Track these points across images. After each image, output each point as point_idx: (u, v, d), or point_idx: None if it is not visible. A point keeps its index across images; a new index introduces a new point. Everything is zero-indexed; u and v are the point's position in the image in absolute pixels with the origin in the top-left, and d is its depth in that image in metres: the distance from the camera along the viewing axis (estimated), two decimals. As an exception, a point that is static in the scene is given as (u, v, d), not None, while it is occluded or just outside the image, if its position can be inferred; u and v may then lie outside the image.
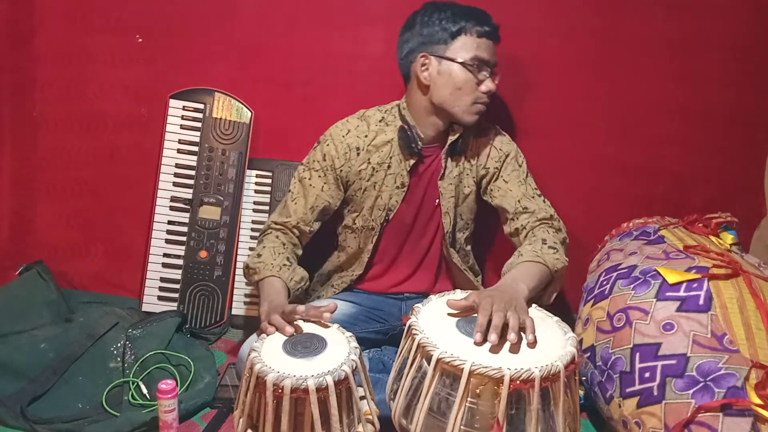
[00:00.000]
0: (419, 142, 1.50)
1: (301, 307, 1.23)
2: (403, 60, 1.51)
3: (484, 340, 1.07)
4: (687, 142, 1.79)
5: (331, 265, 1.66)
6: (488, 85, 1.44)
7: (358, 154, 1.53)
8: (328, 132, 1.56)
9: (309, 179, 1.54)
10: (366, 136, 1.54)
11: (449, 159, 1.54)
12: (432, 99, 1.47)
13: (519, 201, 1.51)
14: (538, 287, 1.29)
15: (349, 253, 1.62)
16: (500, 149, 1.56)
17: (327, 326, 1.22)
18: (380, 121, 1.55)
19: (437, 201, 1.55)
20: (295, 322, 1.21)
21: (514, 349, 1.07)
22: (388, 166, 1.53)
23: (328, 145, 1.54)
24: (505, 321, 1.09)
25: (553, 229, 1.46)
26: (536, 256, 1.34)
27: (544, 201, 1.54)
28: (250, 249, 1.80)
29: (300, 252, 1.55)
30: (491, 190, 1.56)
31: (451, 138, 1.51)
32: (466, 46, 1.43)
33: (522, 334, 1.09)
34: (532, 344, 1.08)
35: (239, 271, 1.80)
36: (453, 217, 1.56)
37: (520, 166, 1.58)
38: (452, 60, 1.43)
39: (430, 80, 1.46)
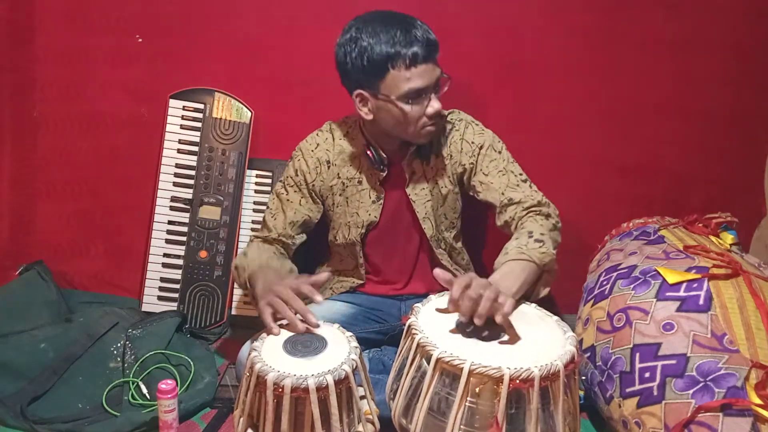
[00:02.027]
0: (384, 163, 1.48)
1: (306, 282, 1.24)
2: (347, 89, 1.44)
3: (455, 310, 1.10)
4: (687, 142, 1.79)
5: (329, 266, 1.66)
6: (433, 106, 1.37)
7: (329, 168, 1.52)
8: (298, 147, 1.55)
9: (286, 194, 1.53)
10: (333, 149, 1.52)
11: (418, 164, 1.51)
12: (380, 126, 1.44)
13: (503, 193, 1.44)
14: (523, 287, 1.24)
15: (345, 265, 1.62)
16: (472, 142, 1.50)
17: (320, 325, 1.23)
18: (345, 135, 1.53)
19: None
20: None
21: (512, 341, 1.09)
22: (359, 182, 1.52)
23: (298, 160, 1.53)
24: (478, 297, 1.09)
25: (541, 216, 1.38)
26: (521, 253, 1.26)
27: (530, 186, 1.46)
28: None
29: None
30: (474, 185, 1.50)
31: (411, 148, 1.49)
32: (397, 82, 1.33)
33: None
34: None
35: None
36: (434, 220, 1.54)
37: (500, 153, 1.50)
38: (387, 97, 1.36)
39: (371, 114, 1.41)
